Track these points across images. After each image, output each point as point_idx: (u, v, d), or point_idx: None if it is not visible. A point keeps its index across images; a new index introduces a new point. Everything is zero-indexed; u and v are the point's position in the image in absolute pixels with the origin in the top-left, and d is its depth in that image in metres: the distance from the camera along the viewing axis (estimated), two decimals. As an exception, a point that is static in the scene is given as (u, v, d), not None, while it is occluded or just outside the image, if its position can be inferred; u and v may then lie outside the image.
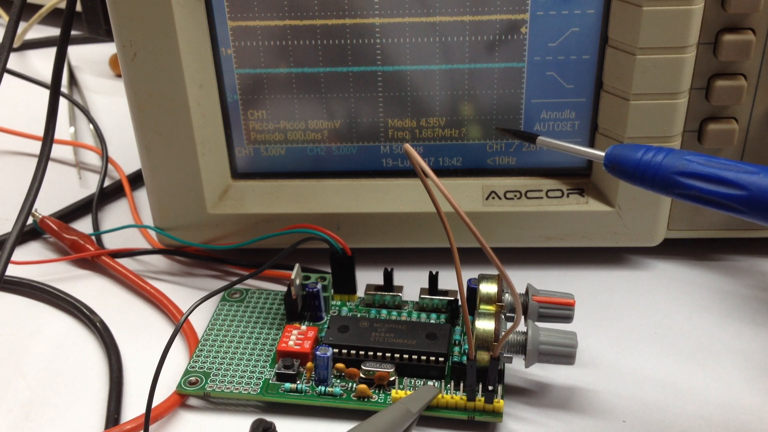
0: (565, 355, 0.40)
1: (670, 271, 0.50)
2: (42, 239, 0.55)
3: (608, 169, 0.37)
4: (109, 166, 0.61)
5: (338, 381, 0.42)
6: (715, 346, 0.45)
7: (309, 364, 0.42)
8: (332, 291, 0.47)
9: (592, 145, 0.48)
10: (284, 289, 0.47)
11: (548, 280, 0.49)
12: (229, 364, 0.43)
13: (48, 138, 0.47)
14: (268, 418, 0.38)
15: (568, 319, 0.42)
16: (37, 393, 0.43)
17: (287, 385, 0.41)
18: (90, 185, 0.60)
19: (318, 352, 0.41)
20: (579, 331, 0.41)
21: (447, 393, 0.41)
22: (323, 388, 0.41)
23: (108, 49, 0.78)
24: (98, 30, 0.69)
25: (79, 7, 0.67)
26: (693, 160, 0.35)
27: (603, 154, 0.38)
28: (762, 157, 0.47)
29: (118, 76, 0.75)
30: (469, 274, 0.41)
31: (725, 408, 0.41)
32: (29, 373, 0.44)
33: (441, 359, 0.41)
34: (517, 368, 0.43)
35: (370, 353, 0.42)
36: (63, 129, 0.66)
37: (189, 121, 0.46)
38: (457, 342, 0.44)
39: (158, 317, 0.48)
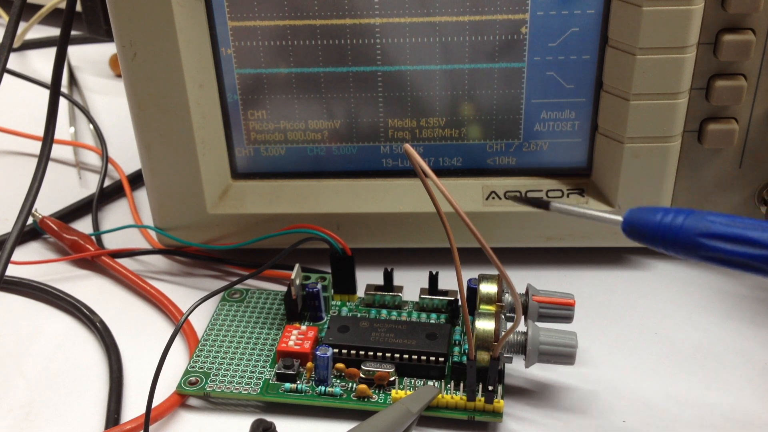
0: (565, 355, 0.40)
1: (670, 271, 0.50)
2: (42, 239, 0.55)
3: (627, 233, 0.36)
4: (109, 166, 0.61)
5: (338, 381, 0.42)
6: (715, 346, 0.45)
7: (309, 364, 0.42)
8: (332, 291, 0.47)
9: (592, 145, 0.48)
10: (284, 289, 0.47)
11: (548, 280, 0.49)
12: (229, 364, 0.43)
13: (48, 138, 0.47)
14: (268, 418, 0.38)
15: (568, 319, 0.42)
16: (37, 393, 0.43)
17: (287, 385, 0.41)
18: (90, 185, 0.60)
19: (318, 352, 0.41)
20: (579, 331, 0.41)
21: (447, 393, 0.41)
22: (323, 388, 0.41)
23: (108, 49, 0.78)
24: (98, 30, 0.69)
25: (79, 7, 0.67)
26: (716, 220, 0.34)
27: (620, 219, 0.36)
28: (762, 158, 0.47)
29: (118, 76, 0.75)
30: (469, 274, 0.41)
31: (725, 408, 0.41)
32: (29, 373, 0.44)
33: (441, 359, 0.41)
34: (517, 368, 0.43)
35: (370, 353, 0.42)
36: (63, 129, 0.66)
37: (189, 121, 0.46)
38: (457, 342, 0.44)
39: (158, 317, 0.48)
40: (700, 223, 0.33)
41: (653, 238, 0.34)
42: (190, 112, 0.46)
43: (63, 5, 0.47)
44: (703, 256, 0.34)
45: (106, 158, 0.61)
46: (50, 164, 0.48)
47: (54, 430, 0.41)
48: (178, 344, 0.46)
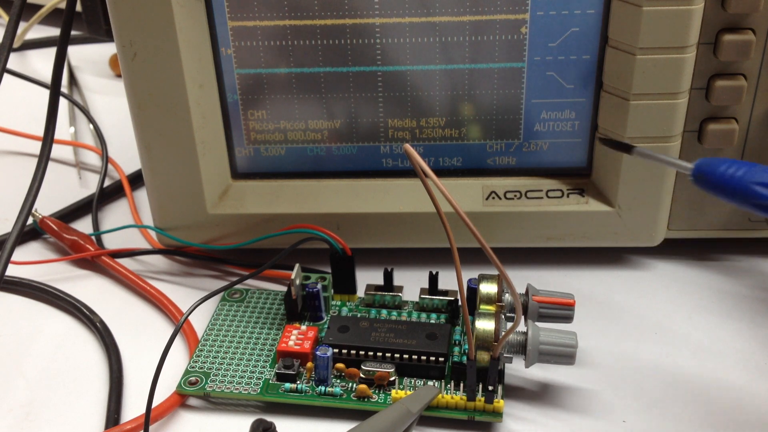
0: (565, 355, 0.40)
1: (670, 271, 0.50)
2: (42, 239, 0.55)
3: (695, 180, 0.38)
4: (109, 166, 0.61)
5: (338, 381, 0.42)
6: (715, 346, 0.45)
7: (309, 364, 0.42)
8: (332, 291, 0.47)
9: (592, 145, 0.48)
10: (284, 289, 0.47)
11: (548, 280, 0.49)
12: (229, 364, 0.43)
13: (48, 138, 0.47)
14: (268, 418, 0.38)
15: (568, 319, 0.42)
16: (37, 393, 0.43)
17: (287, 385, 0.41)
18: (90, 185, 0.60)
19: (318, 352, 0.41)
20: (579, 331, 0.41)
21: (447, 393, 0.41)
22: (323, 388, 0.41)
23: (108, 49, 0.78)
24: (98, 30, 0.69)
25: (79, 7, 0.67)
26: None
27: (692, 166, 0.38)
28: (762, 157, 0.47)
29: (118, 76, 0.75)
30: (469, 274, 0.41)
31: (725, 408, 0.41)
32: (29, 373, 0.44)
33: (441, 359, 0.41)
34: (517, 368, 0.43)
35: (370, 353, 0.42)
36: (63, 129, 0.66)
37: (189, 121, 0.46)
38: (457, 342, 0.44)
39: (158, 317, 0.48)
40: (756, 174, 0.36)
41: (716, 187, 0.37)
42: (190, 112, 0.46)
43: (63, 5, 0.47)
44: (755, 204, 0.36)
45: (106, 158, 0.61)
46: (50, 164, 0.47)
47: (54, 430, 0.41)
48: (178, 344, 0.46)
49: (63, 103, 0.67)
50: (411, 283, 0.48)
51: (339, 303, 0.47)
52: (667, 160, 0.40)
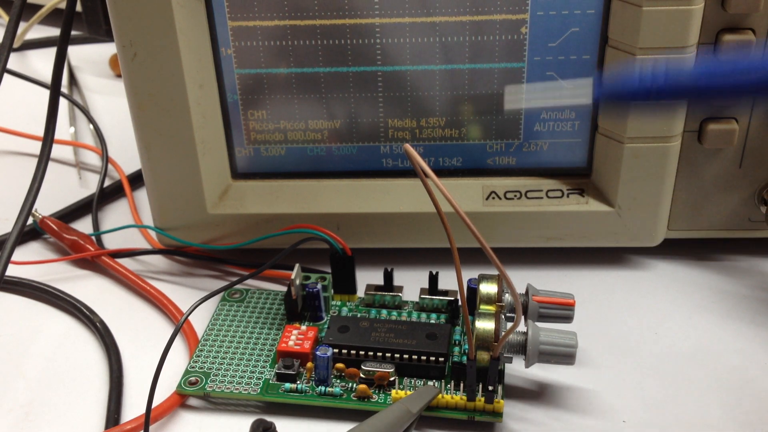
0: (565, 355, 0.40)
1: (670, 271, 0.50)
2: (42, 239, 0.55)
3: (602, 105, 0.35)
4: (109, 166, 0.61)
5: (338, 381, 0.42)
6: (715, 346, 0.45)
7: (309, 364, 0.42)
8: (332, 291, 0.47)
9: (592, 145, 0.48)
10: (284, 289, 0.47)
11: (548, 280, 0.49)
12: (229, 364, 0.43)
13: (48, 138, 0.47)
14: (268, 418, 0.38)
15: (568, 319, 0.42)
16: (37, 393, 0.43)
17: (287, 385, 0.41)
18: (90, 185, 0.60)
19: (318, 352, 0.41)
20: (579, 331, 0.41)
21: (447, 393, 0.41)
22: (323, 388, 0.41)
23: (108, 49, 0.78)
24: (98, 30, 0.69)
25: (79, 7, 0.67)
26: (702, 61, 0.33)
27: (590, 91, 0.35)
28: (762, 157, 0.47)
29: (118, 76, 0.75)
30: (469, 274, 0.41)
31: (725, 408, 0.41)
32: (29, 373, 0.44)
33: (441, 359, 0.41)
34: (517, 368, 0.43)
35: (370, 353, 0.42)
36: (63, 129, 0.66)
37: (189, 121, 0.46)
38: (457, 342, 0.44)
39: (158, 317, 0.48)
40: (683, 68, 0.33)
41: (637, 98, 0.34)
42: (190, 112, 0.46)
43: (63, 5, 0.47)
44: (696, 97, 0.33)
45: (106, 158, 0.61)
46: (50, 164, 0.48)
47: (54, 430, 0.41)
48: (178, 344, 0.46)
49: (63, 103, 0.67)
50: (411, 283, 0.48)
51: (339, 303, 0.47)
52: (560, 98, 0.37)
